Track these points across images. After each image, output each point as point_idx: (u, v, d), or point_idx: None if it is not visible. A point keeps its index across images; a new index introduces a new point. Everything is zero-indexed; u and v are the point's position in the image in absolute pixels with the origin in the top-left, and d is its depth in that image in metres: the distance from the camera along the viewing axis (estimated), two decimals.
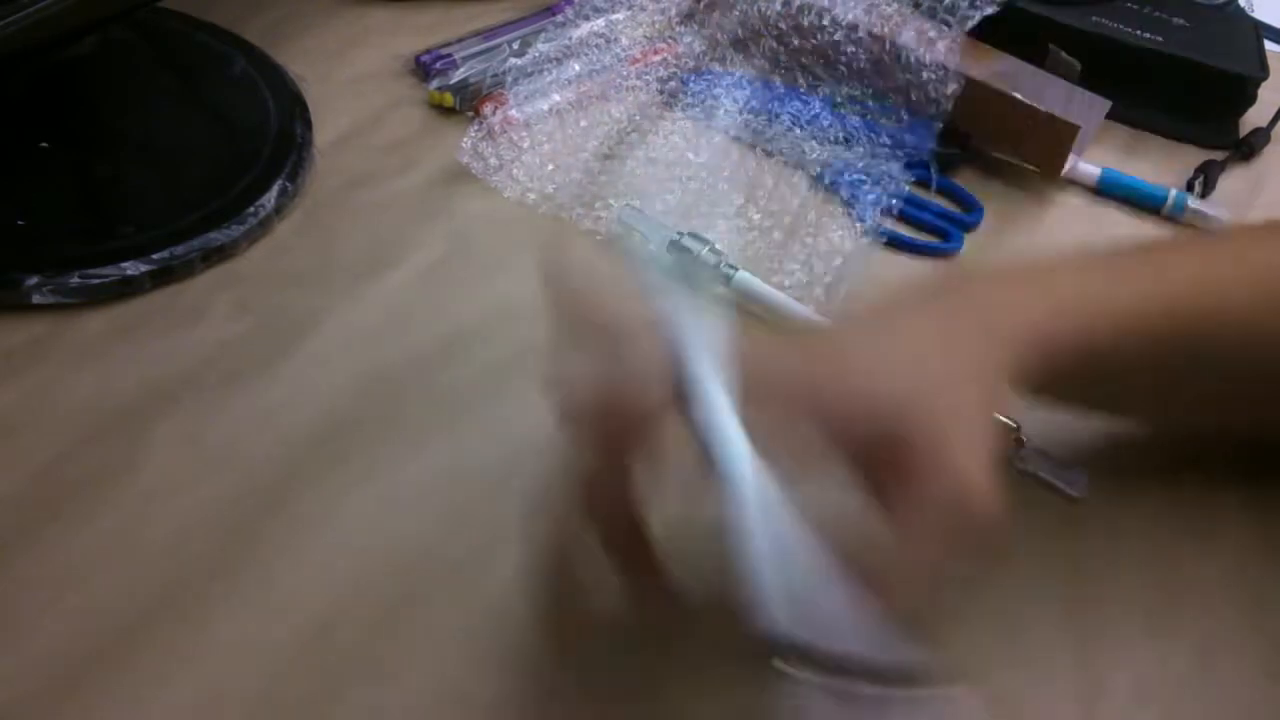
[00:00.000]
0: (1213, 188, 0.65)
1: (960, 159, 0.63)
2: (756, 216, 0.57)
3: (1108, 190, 0.63)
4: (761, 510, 0.29)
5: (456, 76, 0.61)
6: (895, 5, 0.64)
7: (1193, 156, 0.67)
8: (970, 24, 0.63)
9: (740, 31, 0.66)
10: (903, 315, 0.35)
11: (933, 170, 0.61)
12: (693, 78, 0.64)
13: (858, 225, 0.58)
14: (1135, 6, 0.70)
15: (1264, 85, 0.68)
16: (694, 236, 0.53)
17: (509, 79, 0.60)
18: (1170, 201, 0.62)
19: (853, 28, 0.63)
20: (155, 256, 0.48)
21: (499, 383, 0.47)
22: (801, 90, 0.64)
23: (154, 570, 0.38)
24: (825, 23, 0.63)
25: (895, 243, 0.58)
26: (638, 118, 0.62)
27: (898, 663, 0.28)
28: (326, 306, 0.49)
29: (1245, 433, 0.45)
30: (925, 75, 0.61)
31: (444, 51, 0.63)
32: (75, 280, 0.46)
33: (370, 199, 0.55)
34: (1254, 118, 0.69)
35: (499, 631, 0.38)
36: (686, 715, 0.37)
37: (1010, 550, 0.33)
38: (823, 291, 0.53)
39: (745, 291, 0.52)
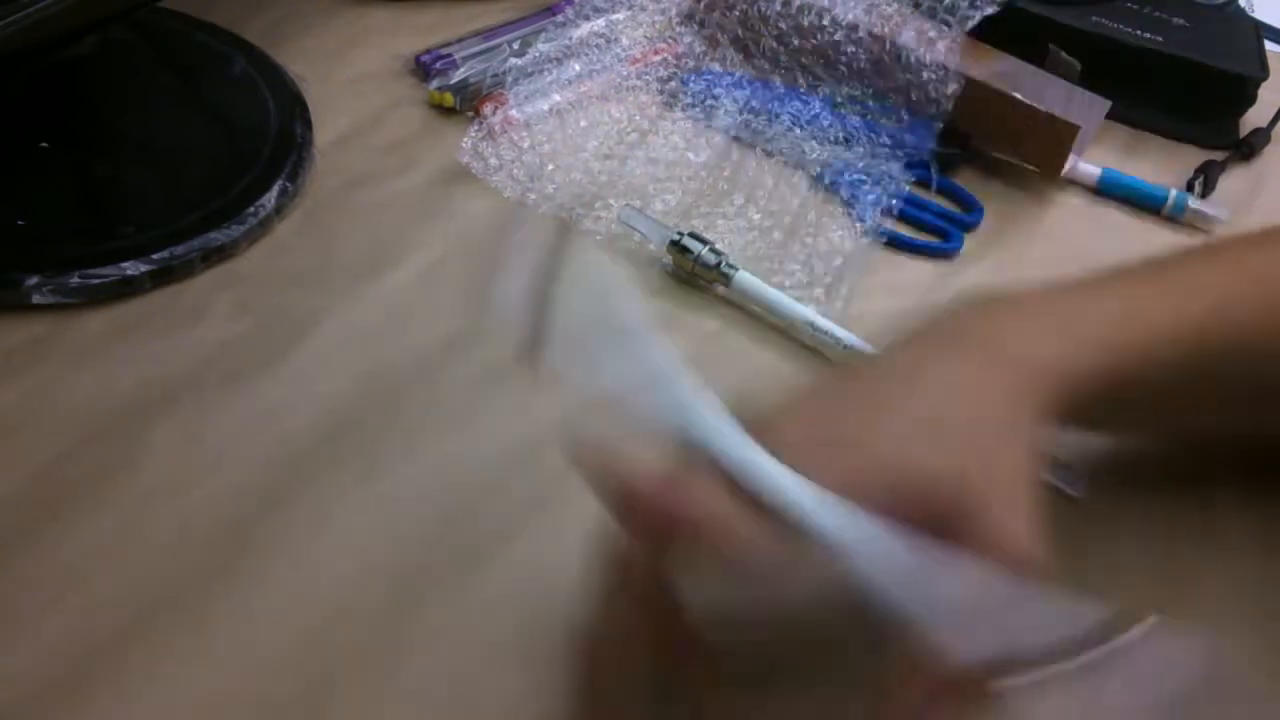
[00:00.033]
0: (1213, 188, 0.65)
1: (960, 159, 0.63)
2: (756, 216, 0.57)
3: (1108, 190, 0.63)
4: (869, 547, 0.29)
5: (456, 76, 0.61)
6: (895, 5, 0.64)
7: (1193, 156, 0.67)
8: (970, 24, 0.63)
9: (740, 31, 0.66)
10: (924, 365, 0.34)
11: (933, 170, 0.61)
12: (693, 78, 0.64)
13: (858, 225, 0.58)
14: (1135, 6, 0.70)
15: (1264, 85, 0.68)
16: (694, 236, 0.53)
17: (509, 79, 0.60)
18: (1170, 201, 0.62)
19: (853, 28, 0.63)
20: (155, 256, 0.48)
21: (499, 383, 0.47)
22: (801, 90, 0.65)
23: (154, 570, 0.38)
24: (825, 23, 0.63)
25: (895, 243, 0.58)
26: (638, 118, 0.62)
27: (1084, 624, 0.27)
28: (326, 306, 0.49)
29: (1247, 434, 0.45)
30: (925, 75, 0.61)
31: (444, 51, 0.63)
32: (75, 280, 0.46)
33: (370, 199, 0.55)
34: (1254, 118, 0.69)
35: (499, 631, 0.38)
36: None
37: None
38: (823, 291, 0.53)
39: (745, 291, 0.52)
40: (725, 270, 0.52)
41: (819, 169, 0.60)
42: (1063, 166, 0.62)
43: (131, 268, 0.47)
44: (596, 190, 0.57)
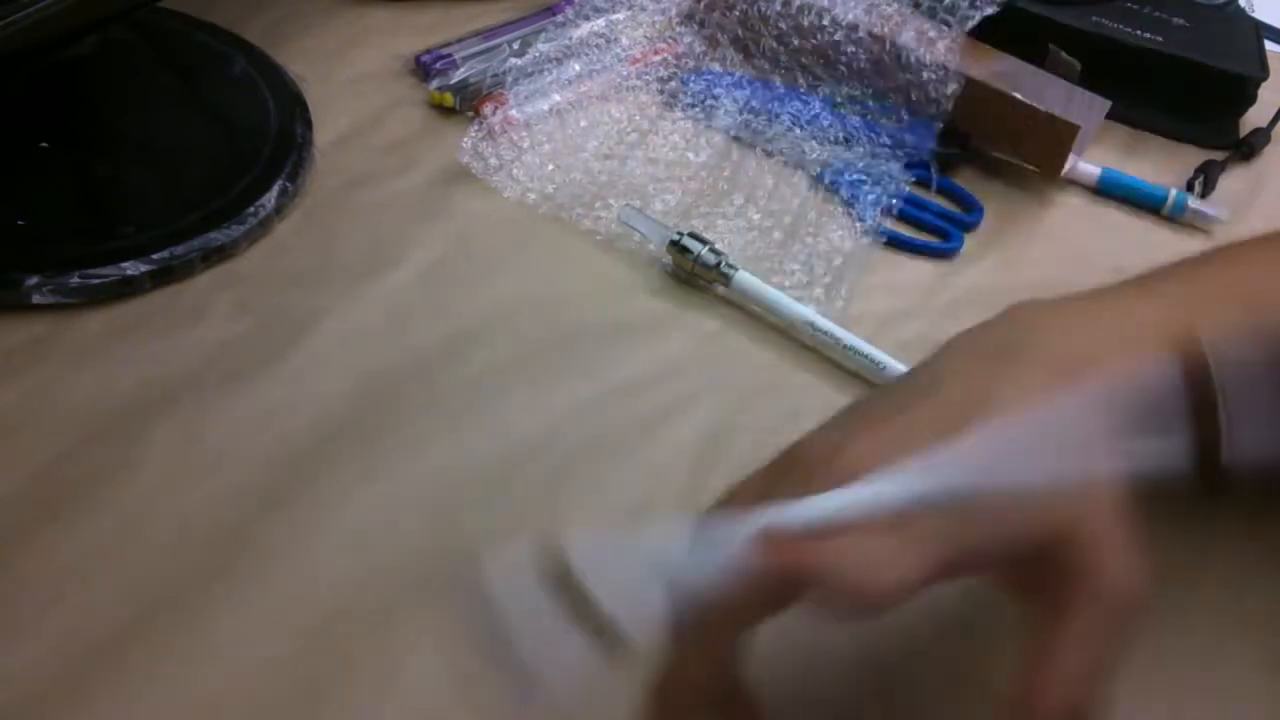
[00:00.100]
0: (1213, 188, 0.65)
1: (960, 159, 0.63)
2: (756, 216, 0.57)
3: (1108, 190, 0.63)
4: None
5: (456, 76, 0.61)
6: (895, 5, 0.64)
7: (1193, 156, 0.67)
8: (970, 24, 0.63)
9: (740, 31, 0.66)
10: (994, 393, 0.32)
11: (933, 170, 0.61)
12: (693, 78, 0.64)
13: (858, 225, 0.58)
14: (1135, 6, 0.70)
15: (1264, 85, 0.68)
16: (694, 236, 0.53)
17: (509, 79, 0.60)
18: (1170, 201, 0.62)
19: (853, 28, 0.63)
20: (155, 256, 0.48)
21: (499, 383, 0.47)
22: (801, 90, 0.65)
23: (154, 570, 0.38)
24: (825, 23, 0.63)
25: (895, 243, 0.58)
26: (638, 118, 0.62)
27: None
28: (326, 306, 0.49)
29: None
30: (925, 75, 0.61)
31: (444, 51, 0.63)
32: (75, 280, 0.46)
33: (370, 199, 0.55)
34: (1254, 118, 0.69)
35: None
36: None
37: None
38: (823, 291, 0.53)
39: (745, 291, 0.52)
40: (725, 270, 0.52)
41: (819, 169, 0.60)
42: (1063, 166, 0.62)
43: (131, 268, 0.47)
44: (596, 190, 0.57)
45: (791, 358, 0.51)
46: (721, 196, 0.58)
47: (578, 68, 0.62)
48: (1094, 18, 0.68)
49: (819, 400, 0.44)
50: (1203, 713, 0.39)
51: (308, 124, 0.57)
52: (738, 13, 0.66)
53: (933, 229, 0.59)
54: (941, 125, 0.61)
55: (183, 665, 0.36)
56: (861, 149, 0.61)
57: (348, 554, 0.40)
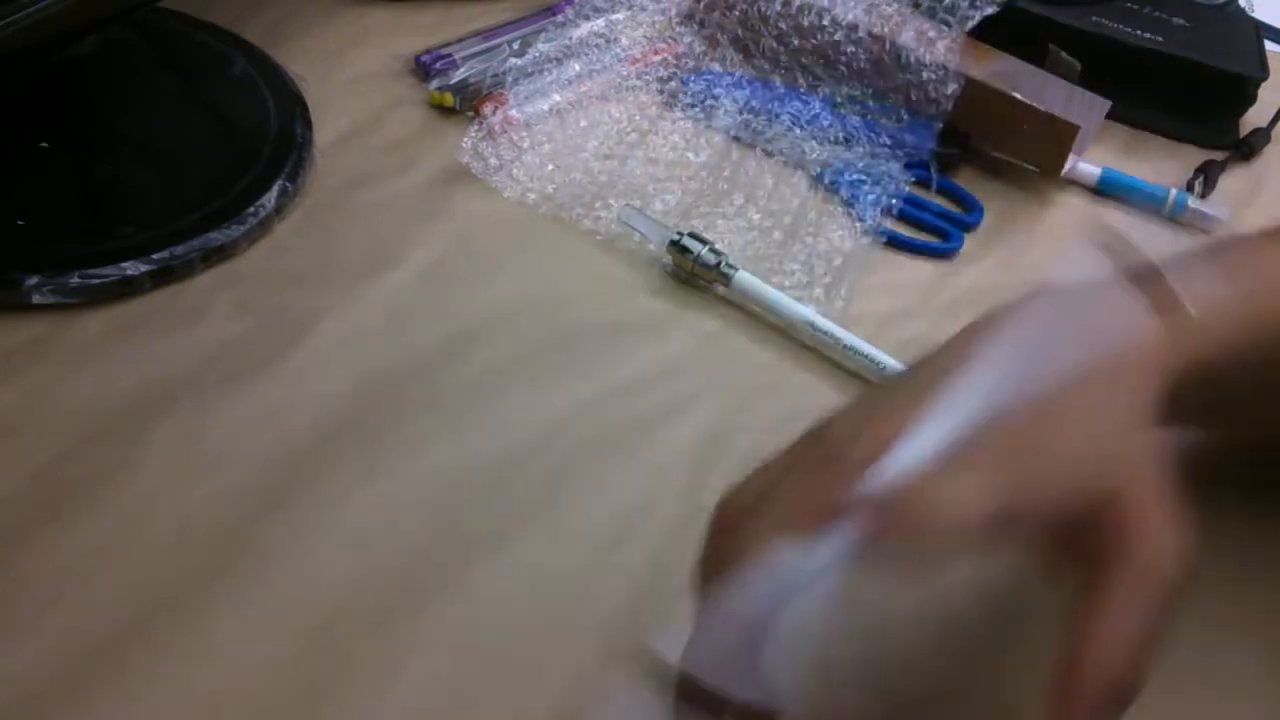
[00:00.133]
0: (1213, 188, 0.65)
1: (960, 159, 0.63)
2: (756, 216, 0.57)
3: (1108, 190, 0.63)
4: None
5: (456, 76, 0.61)
6: (895, 5, 0.64)
7: (1193, 156, 0.67)
8: (970, 24, 0.63)
9: (740, 31, 0.66)
10: (1032, 362, 0.32)
11: (933, 170, 0.61)
12: (693, 78, 0.64)
13: (858, 225, 0.58)
14: (1135, 6, 0.70)
15: (1264, 85, 0.68)
16: (694, 236, 0.53)
17: (509, 79, 0.60)
18: (1170, 201, 0.62)
19: (853, 28, 0.63)
20: (155, 256, 0.48)
21: (499, 383, 0.47)
22: (801, 90, 0.65)
23: (154, 570, 0.38)
24: (825, 23, 0.63)
25: (895, 243, 0.58)
26: (638, 118, 0.62)
27: None
28: (326, 306, 0.49)
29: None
30: (925, 75, 0.61)
31: (444, 51, 0.63)
32: (75, 280, 0.46)
33: (370, 199, 0.55)
34: (1254, 118, 0.69)
35: (498, 631, 0.38)
36: None
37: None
38: (822, 291, 0.53)
39: (745, 291, 0.52)
40: (725, 270, 0.52)
41: (819, 169, 0.60)
42: (1063, 166, 0.62)
43: (131, 268, 0.47)
44: (596, 190, 0.57)
45: (791, 358, 0.51)
46: (721, 196, 0.58)
47: (578, 68, 0.62)
48: (1094, 18, 0.68)
49: (819, 400, 0.44)
50: (1203, 709, 0.39)
51: (308, 124, 0.57)
52: (738, 13, 0.66)
53: (933, 229, 0.59)
54: (941, 125, 0.61)
55: (183, 665, 0.36)
56: (861, 149, 0.61)
57: (348, 554, 0.40)
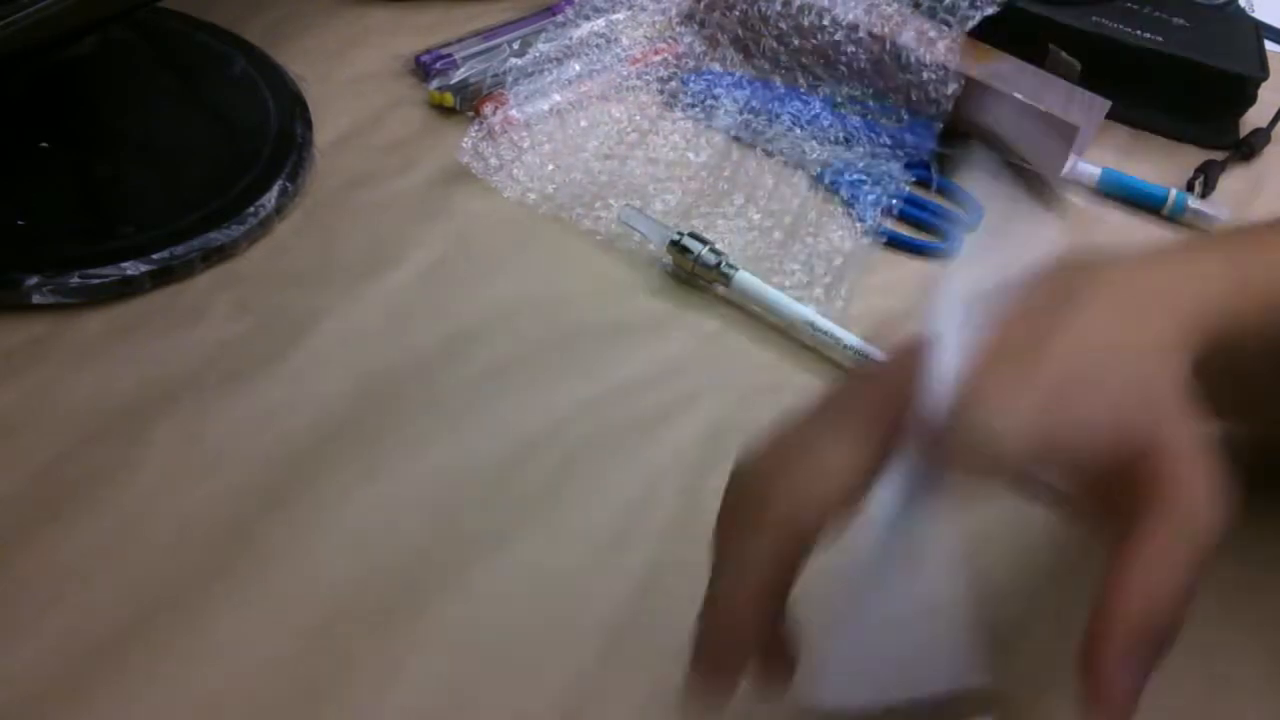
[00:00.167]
0: (1213, 188, 0.65)
1: (961, 159, 0.63)
2: (756, 216, 0.57)
3: (1108, 190, 0.63)
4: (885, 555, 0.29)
5: (456, 76, 0.61)
6: (895, 5, 0.64)
7: (1193, 156, 0.67)
8: (970, 24, 0.63)
9: (740, 31, 0.66)
10: (1069, 313, 0.32)
11: (933, 170, 0.61)
12: (693, 78, 0.64)
13: (858, 225, 0.58)
14: (1135, 6, 0.70)
15: (1264, 85, 0.68)
16: (694, 236, 0.53)
17: (509, 79, 0.60)
18: (1170, 201, 0.62)
19: (853, 28, 0.63)
20: (155, 256, 0.48)
21: (499, 383, 0.47)
22: (801, 90, 0.65)
23: (154, 570, 0.38)
24: (825, 23, 0.63)
25: (895, 243, 0.58)
26: (638, 118, 0.62)
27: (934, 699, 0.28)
28: (326, 306, 0.49)
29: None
30: (925, 75, 0.61)
31: (444, 51, 0.63)
32: (75, 280, 0.46)
33: (370, 199, 0.55)
34: (1254, 118, 0.69)
35: (498, 631, 0.38)
36: None
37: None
38: (823, 291, 0.53)
39: (745, 291, 0.52)
40: (725, 270, 0.52)
41: (819, 169, 0.60)
42: (1063, 166, 0.62)
43: (131, 268, 0.47)
44: (596, 190, 0.57)
45: (791, 358, 0.51)
46: (721, 196, 0.58)
47: (578, 68, 0.62)
48: (1094, 18, 0.68)
49: None
50: (1203, 709, 0.39)
51: (308, 124, 0.57)
52: (738, 13, 0.66)
53: (933, 229, 0.59)
54: (941, 125, 0.61)
55: (183, 665, 0.36)
56: (861, 149, 0.61)
57: (348, 554, 0.40)
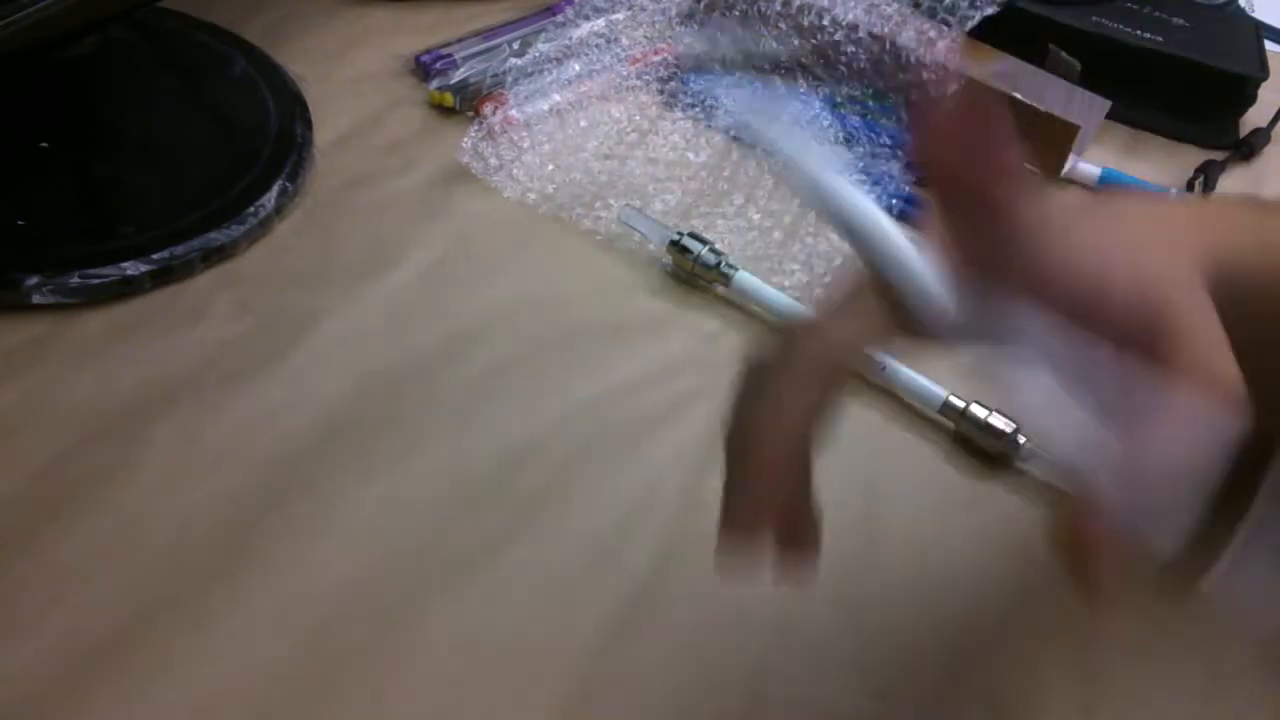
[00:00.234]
0: (1213, 188, 0.65)
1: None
2: (756, 216, 0.57)
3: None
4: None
5: (456, 76, 0.61)
6: (895, 5, 0.64)
7: (1193, 156, 0.67)
8: (970, 24, 0.63)
9: (740, 31, 0.66)
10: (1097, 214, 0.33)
11: None
12: (693, 78, 0.64)
13: None
14: (1135, 6, 0.70)
15: (1264, 85, 0.68)
16: (694, 236, 0.53)
17: (509, 79, 0.60)
18: None
19: (853, 28, 0.63)
20: (155, 256, 0.48)
21: (499, 383, 0.47)
22: (801, 90, 0.65)
23: (154, 570, 0.38)
24: (825, 23, 0.63)
25: None
26: (637, 118, 0.62)
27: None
28: (326, 306, 0.49)
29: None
30: (925, 75, 0.61)
31: (444, 51, 0.63)
32: (75, 280, 0.46)
33: (370, 199, 0.55)
34: (1254, 118, 0.69)
35: (498, 631, 0.38)
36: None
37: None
38: (823, 292, 0.53)
39: (745, 291, 0.52)
40: (725, 270, 0.52)
41: None
42: (1063, 166, 0.62)
43: (131, 268, 0.47)
44: (596, 190, 0.57)
45: None
46: (721, 196, 0.58)
47: (578, 68, 0.62)
48: (1094, 18, 0.68)
49: None
50: (1203, 709, 0.39)
51: (308, 124, 0.57)
52: (738, 13, 0.66)
53: None
54: None
55: (183, 665, 0.36)
56: (861, 149, 0.61)
57: (348, 554, 0.40)
